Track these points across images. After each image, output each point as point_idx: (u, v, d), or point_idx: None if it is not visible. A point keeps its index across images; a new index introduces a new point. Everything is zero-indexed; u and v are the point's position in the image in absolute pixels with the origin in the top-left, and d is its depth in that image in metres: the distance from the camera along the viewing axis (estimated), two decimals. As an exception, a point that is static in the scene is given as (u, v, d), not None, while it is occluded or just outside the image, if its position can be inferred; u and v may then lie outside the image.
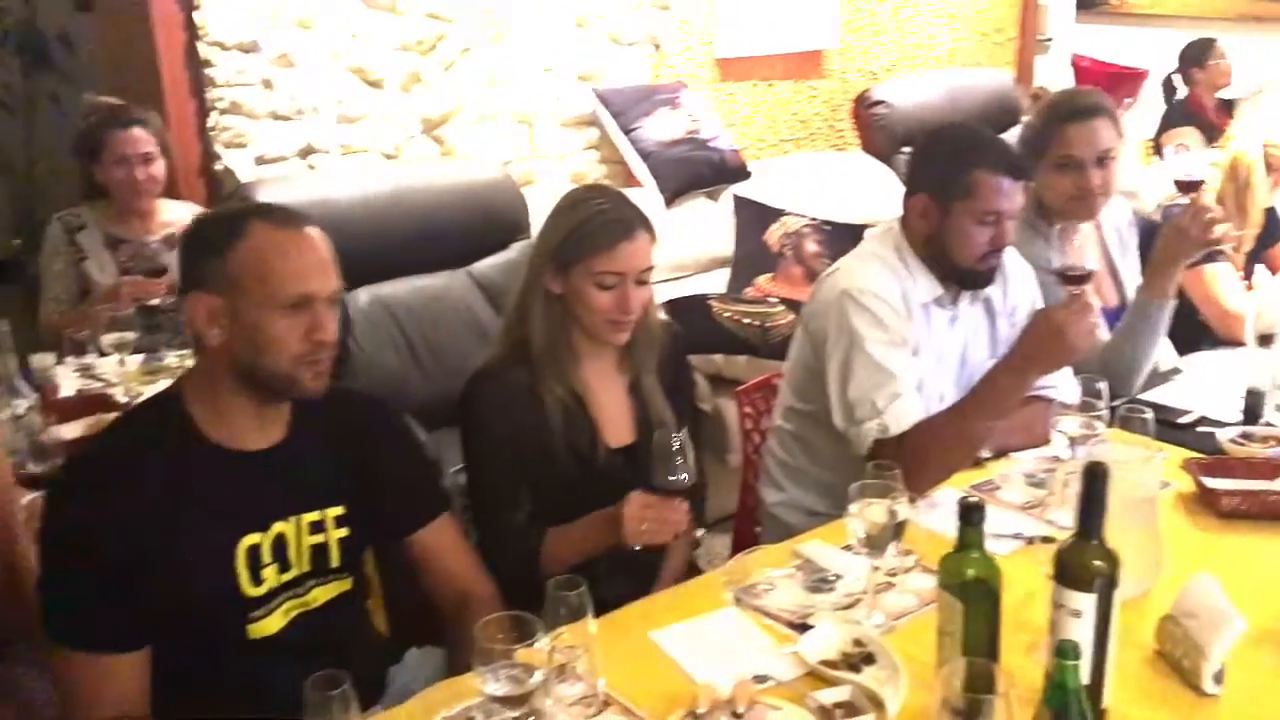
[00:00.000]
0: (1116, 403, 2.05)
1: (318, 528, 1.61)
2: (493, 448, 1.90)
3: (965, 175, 1.99)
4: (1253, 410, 2.24)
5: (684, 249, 3.73)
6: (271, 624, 1.56)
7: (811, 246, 3.73)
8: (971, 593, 1.36)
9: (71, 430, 2.29)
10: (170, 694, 1.51)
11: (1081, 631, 1.29)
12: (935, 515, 1.83)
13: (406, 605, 1.84)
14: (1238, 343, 2.67)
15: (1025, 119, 3.15)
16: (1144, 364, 2.42)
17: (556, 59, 3.89)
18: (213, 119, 3.25)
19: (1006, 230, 2.03)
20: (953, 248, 2.03)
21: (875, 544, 1.55)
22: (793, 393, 2.21)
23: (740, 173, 4.01)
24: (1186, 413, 2.32)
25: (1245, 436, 2.14)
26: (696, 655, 1.52)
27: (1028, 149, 2.45)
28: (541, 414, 1.89)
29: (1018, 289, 2.22)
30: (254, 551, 1.54)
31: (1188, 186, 2.36)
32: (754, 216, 3.84)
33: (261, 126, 3.30)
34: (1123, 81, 6.21)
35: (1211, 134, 5.03)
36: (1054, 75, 5.85)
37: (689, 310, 3.27)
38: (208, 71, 3.20)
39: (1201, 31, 5.71)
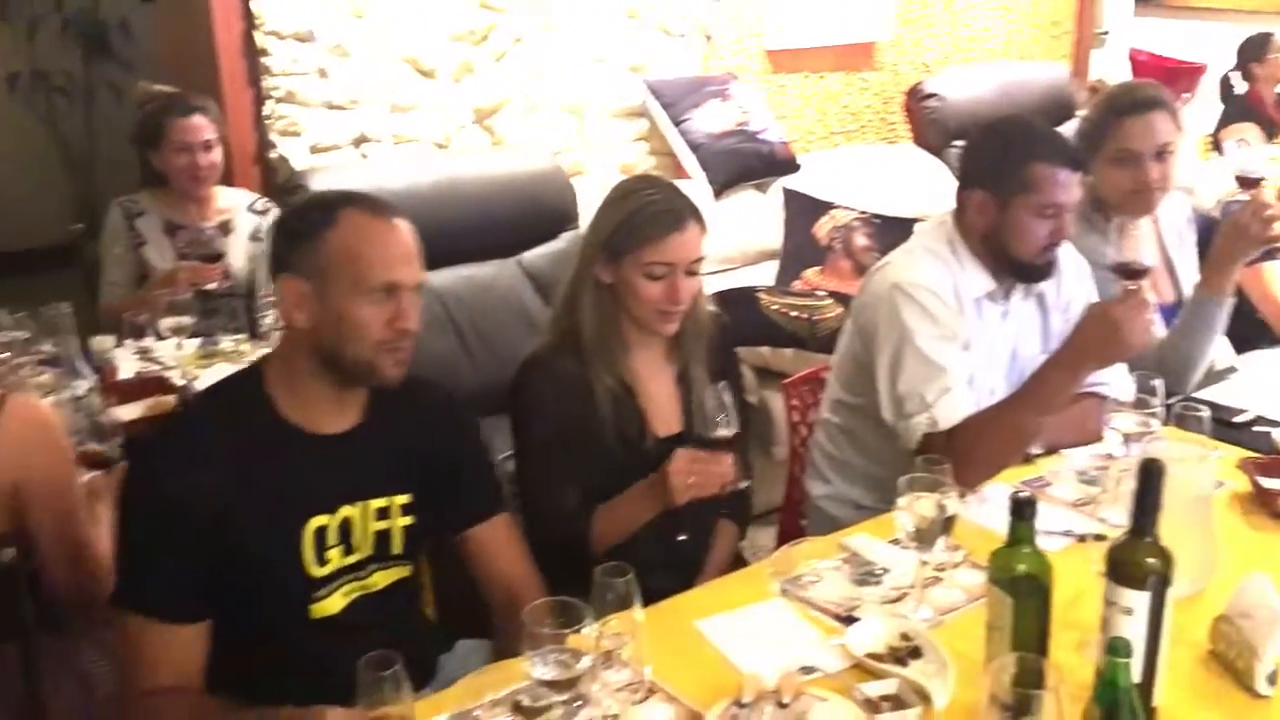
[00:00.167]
0: (1172, 400, 2.02)
1: (384, 514, 1.63)
2: (543, 435, 1.91)
3: (1023, 169, 1.97)
4: (1311, 410, 2.20)
5: (732, 241, 3.73)
6: (333, 604, 1.59)
7: (861, 240, 3.71)
8: (1022, 588, 1.35)
9: (130, 411, 2.34)
10: (229, 668, 1.53)
11: (1133, 629, 1.28)
12: (985, 510, 1.82)
13: (456, 597, 1.85)
14: (1296, 342, 2.63)
15: (1081, 113, 3.11)
16: (1200, 361, 2.38)
17: (607, 50, 3.90)
18: (268, 108, 3.29)
19: (1066, 223, 2.00)
20: (1012, 242, 2.01)
21: (924, 538, 1.54)
22: (841, 386, 2.20)
23: (790, 165, 3.99)
24: (1243, 411, 2.29)
25: (1303, 437, 2.11)
26: (742, 645, 1.53)
27: (1085, 142, 2.42)
28: (591, 403, 1.91)
29: (1073, 283, 2.19)
30: (321, 533, 1.57)
31: (1248, 182, 2.33)
32: (803, 209, 3.82)
33: (316, 115, 3.35)
34: (1180, 76, 6.12)
35: (1271, 129, 4.94)
36: (1111, 69, 5.74)
37: (737, 302, 3.26)
38: (264, 61, 3.25)
39: (1260, 26, 5.59)
